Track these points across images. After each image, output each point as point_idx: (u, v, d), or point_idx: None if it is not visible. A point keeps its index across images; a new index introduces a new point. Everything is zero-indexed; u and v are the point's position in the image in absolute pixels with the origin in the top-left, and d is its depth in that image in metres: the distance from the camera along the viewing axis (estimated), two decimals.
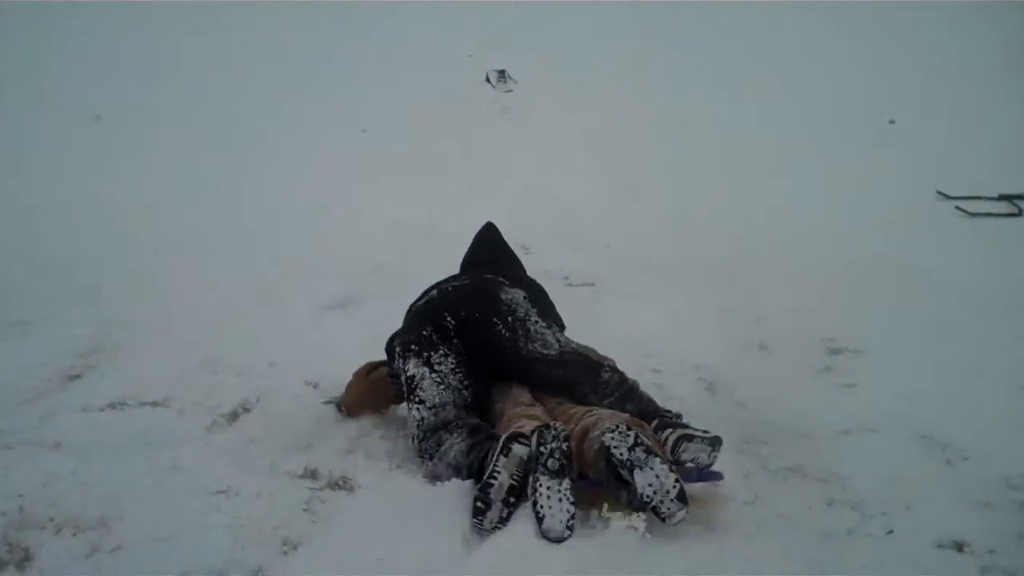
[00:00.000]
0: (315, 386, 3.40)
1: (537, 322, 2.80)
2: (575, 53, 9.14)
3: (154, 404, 3.24)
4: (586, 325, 3.23)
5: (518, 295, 2.87)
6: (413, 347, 2.74)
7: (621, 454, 2.24)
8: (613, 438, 2.27)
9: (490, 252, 3.29)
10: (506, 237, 3.39)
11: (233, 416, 3.15)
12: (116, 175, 6.62)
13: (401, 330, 2.88)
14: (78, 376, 3.51)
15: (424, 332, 2.74)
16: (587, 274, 5.20)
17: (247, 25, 9.23)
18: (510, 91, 8.63)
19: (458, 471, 2.47)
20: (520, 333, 2.75)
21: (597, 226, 6.13)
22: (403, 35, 9.29)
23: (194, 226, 6.13)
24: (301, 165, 7.27)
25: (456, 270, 3.23)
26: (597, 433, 2.34)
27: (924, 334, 4.21)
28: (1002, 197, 6.64)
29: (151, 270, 5.18)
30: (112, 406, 3.21)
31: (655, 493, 2.20)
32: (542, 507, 2.19)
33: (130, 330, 4.09)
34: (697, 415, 2.96)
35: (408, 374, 2.71)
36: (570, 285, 4.98)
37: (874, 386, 3.58)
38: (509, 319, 2.77)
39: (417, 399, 2.65)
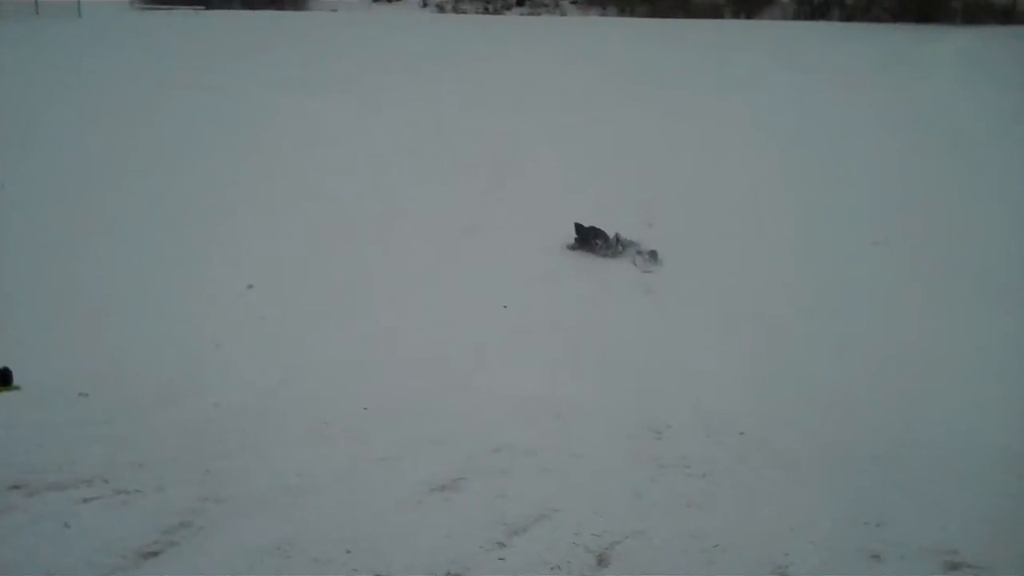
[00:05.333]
0: None
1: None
2: (724, 231, 9.06)
3: None
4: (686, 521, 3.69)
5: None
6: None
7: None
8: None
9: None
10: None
11: None
12: (259, 341, 6.87)
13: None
14: (155, 554, 3.31)
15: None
16: (711, 462, 4.95)
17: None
18: (649, 272, 8.57)
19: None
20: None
21: (734, 409, 6.05)
22: (544, 204, 9.46)
23: (322, 393, 6.15)
24: (433, 337, 7.26)
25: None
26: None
27: None
28: None
29: (268, 444, 5.14)
30: None
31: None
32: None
33: (227, 503, 3.94)
34: None
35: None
36: (690, 475, 4.68)
37: None
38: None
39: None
